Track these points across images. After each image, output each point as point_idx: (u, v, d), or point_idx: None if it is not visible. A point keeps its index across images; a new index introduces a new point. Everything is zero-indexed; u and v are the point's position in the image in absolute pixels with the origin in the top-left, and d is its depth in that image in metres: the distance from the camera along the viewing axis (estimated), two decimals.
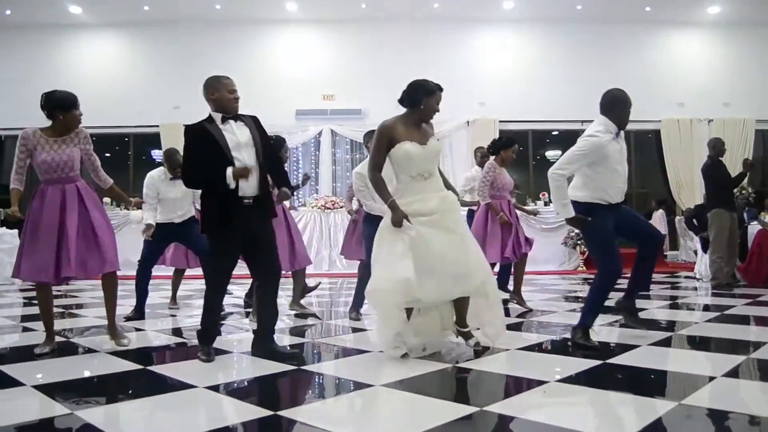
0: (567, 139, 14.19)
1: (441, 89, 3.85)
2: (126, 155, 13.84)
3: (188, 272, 6.82)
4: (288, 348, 4.00)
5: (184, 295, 7.33)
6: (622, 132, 4.05)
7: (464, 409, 2.61)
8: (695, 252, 9.98)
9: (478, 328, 3.96)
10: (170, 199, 5.63)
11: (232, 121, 3.76)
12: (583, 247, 11.19)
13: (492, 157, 5.96)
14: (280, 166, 4.22)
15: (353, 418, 2.70)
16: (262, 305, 3.90)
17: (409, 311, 3.70)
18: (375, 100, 13.41)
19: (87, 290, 7.95)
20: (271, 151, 3.94)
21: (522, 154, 11.82)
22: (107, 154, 16.11)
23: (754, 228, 8.53)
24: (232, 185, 3.60)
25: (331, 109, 13.42)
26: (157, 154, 14.44)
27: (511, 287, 6.05)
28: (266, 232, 3.80)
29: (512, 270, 6.11)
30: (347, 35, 13.80)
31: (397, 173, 3.78)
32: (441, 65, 13.19)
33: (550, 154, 17.20)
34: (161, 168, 5.78)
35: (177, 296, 6.43)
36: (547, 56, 13.82)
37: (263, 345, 3.77)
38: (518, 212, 6.27)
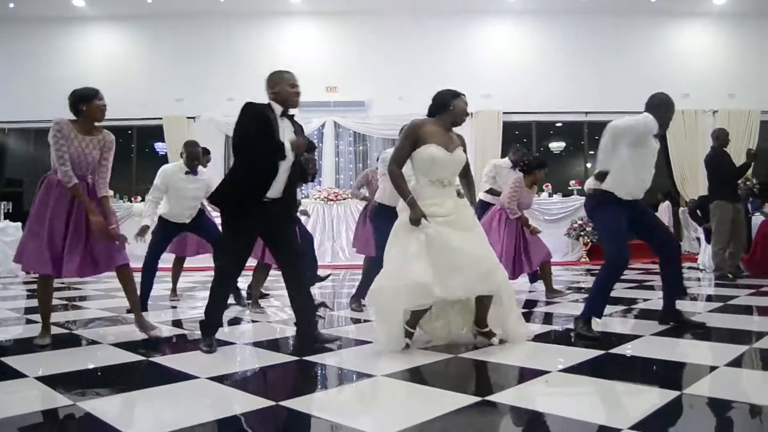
0: (570, 131, 14.22)
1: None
2: (129, 148, 13.83)
3: (189, 264, 6.83)
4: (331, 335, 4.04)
5: (186, 287, 7.36)
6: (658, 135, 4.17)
7: (466, 399, 2.60)
8: (699, 243, 9.97)
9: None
10: (184, 196, 5.51)
11: (286, 119, 3.83)
12: (586, 238, 11.19)
13: (521, 175, 6.01)
14: (305, 179, 4.36)
15: (354, 408, 2.70)
16: (295, 299, 3.95)
17: (419, 314, 3.64)
18: (378, 92, 13.41)
19: (89, 282, 7.96)
20: (301, 167, 4.02)
21: (525, 145, 11.78)
22: None
23: (758, 219, 8.51)
24: (288, 156, 3.70)
25: (335, 101, 13.40)
26: (160, 147, 14.46)
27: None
28: (285, 227, 3.88)
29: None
30: (350, 27, 13.77)
31: (417, 174, 3.72)
32: (444, 57, 13.18)
33: (553, 145, 17.17)
34: (178, 162, 5.68)
35: (177, 288, 6.44)
36: (550, 48, 13.76)
37: (309, 335, 3.87)
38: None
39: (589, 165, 15.28)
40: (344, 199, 11.55)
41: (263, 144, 3.65)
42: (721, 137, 7.62)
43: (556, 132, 14.83)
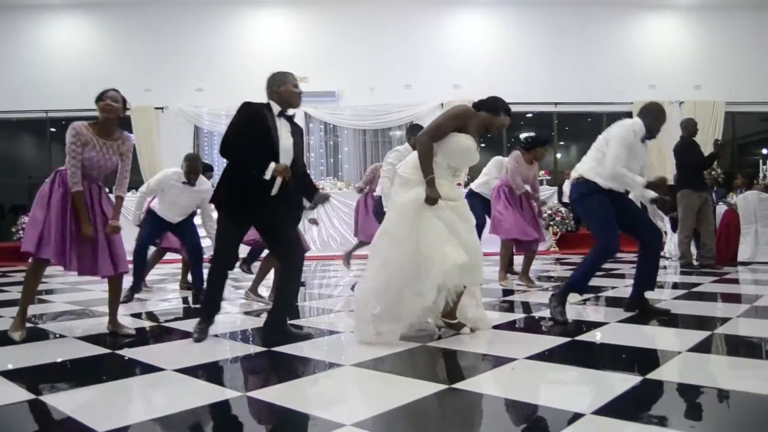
0: (541, 121, 14.31)
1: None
2: None
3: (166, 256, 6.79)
4: (302, 329, 4.04)
5: (156, 279, 7.29)
6: (647, 141, 4.30)
7: (432, 387, 2.62)
8: (665, 232, 10.13)
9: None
10: (177, 203, 5.67)
11: (284, 119, 3.81)
12: (555, 227, 11.30)
13: (522, 152, 6.15)
14: (310, 181, 4.23)
15: (323, 398, 2.70)
16: (281, 287, 3.98)
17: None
18: (349, 82, 13.38)
19: (57, 276, 7.84)
20: (301, 167, 3.96)
21: (496, 136, 11.87)
22: None
23: (721, 208, 8.68)
24: (268, 177, 3.60)
25: (305, 91, 13.26)
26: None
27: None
28: (283, 218, 3.83)
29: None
30: (321, 17, 13.69)
31: (441, 155, 3.65)
32: (415, 47, 13.18)
33: (524, 136, 17.26)
34: (178, 170, 5.68)
35: (147, 279, 6.37)
36: (521, 38, 13.86)
37: (277, 326, 3.83)
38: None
39: (559, 155, 15.43)
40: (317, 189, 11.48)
41: (258, 145, 3.63)
42: (689, 127, 7.72)
43: (527, 122, 14.90)
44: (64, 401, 2.54)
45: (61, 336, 3.98)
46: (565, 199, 12.56)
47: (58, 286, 6.97)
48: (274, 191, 3.69)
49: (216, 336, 3.85)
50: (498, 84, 13.39)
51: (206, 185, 5.82)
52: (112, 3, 13.36)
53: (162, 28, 13.38)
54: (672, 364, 2.96)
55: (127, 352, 3.47)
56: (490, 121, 3.79)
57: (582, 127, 14.99)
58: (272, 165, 3.58)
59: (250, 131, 3.65)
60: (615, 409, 2.31)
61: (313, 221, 6.55)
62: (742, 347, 3.50)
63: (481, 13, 13.98)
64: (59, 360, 3.37)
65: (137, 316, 4.87)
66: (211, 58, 12.90)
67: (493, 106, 3.80)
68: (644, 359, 3.18)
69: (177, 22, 13.41)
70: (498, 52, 13.70)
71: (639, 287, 4.39)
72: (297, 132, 3.88)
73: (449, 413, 2.46)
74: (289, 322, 3.97)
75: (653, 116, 4.27)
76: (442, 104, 13.01)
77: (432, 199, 3.47)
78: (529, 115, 14.62)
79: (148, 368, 3.08)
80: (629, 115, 13.86)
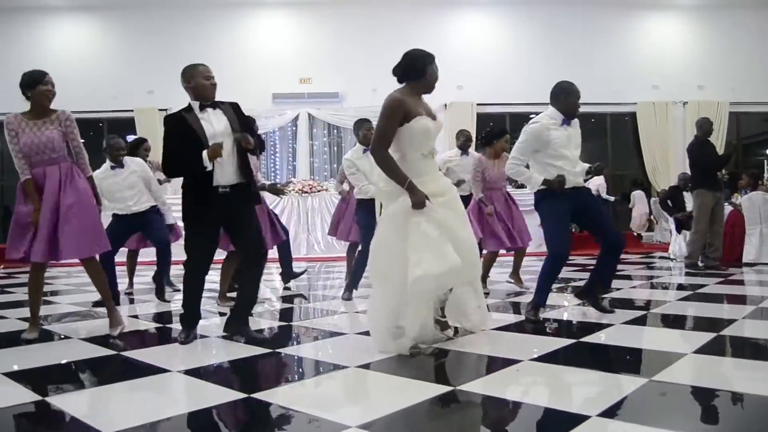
0: None
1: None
2: (100, 141, 13.56)
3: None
4: (262, 333, 4.01)
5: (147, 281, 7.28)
6: (575, 120, 4.31)
7: (438, 389, 2.62)
8: (669, 232, 10.11)
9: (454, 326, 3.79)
10: (113, 191, 5.43)
11: (210, 109, 3.74)
12: None
13: (485, 149, 5.95)
14: (259, 143, 4.18)
15: (327, 400, 2.70)
16: (243, 285, 3.96)
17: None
18: (352, 84, 13.37)
19: (61, 277, 7.86)
20: (252, 136, 3.86)
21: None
22: (81, 140, 15.88)
23: (726, 209, 8.65)
24: (209, 166, 3.59)
25: (308, 92, 13.33)
26: (131, 140, 14.26)
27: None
28: (246, 216, 3.80)
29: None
30: (324, 18, 13.68)
31: (406, 151, 3.43)
32: (418, 47, 13.15)
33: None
34: (105, 165, 5.56)
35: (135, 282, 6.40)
36: (523, 39, 13.84)
37: (237, 325, 3.80)
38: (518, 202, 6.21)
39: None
40: (319, 191, 11.50)
41: (189, 147, 3.61)
42: (704, 126, 7.66)
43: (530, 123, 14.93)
44: (69, 402, 2.55)
45: (66, 337, 3.98)
46: None
47: (63, 288, 6.98)
48: (227, 180, 3.67)
49: (221, 338, 3.85)
50: (499, 84, 13.47)
51: (135, 164, 5.66)
52: (114, 5, 13.37)
53: (164, 30, 13.37)
54: (678, 366, 2.94)
55: (132, 354, 3.47)
56: (423, 86, 3.58)
57: (585, 128, 14.92)
58: (204, 153, 3.56)
59: (178, 140, 3.66)
60: (621, 411, 2.30)
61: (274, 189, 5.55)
62: (748, 349, 3.48)
63: (482, 13, 13.97)
64: (64, 361, 3.36)
65: (138, 317, 4.88)
66: (214, 59, 12.67)
67: (414, 67, 3.57)
68: (650, 361, 3.17)
69: (179, 24, 13.40)
70: (499, 53, 13.68)
71: (592, 282, 4.39)
72: (229, 112, 3.80)
73: (454, 415, 2.46)
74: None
75: (560, 97, 4.25)
76: (445, 105, 13.02)
77: (419, 203, 3.28)
78: (533, 115, 14.52)
79: (153, 370, 3.08)
80: (633, 115, 13.96)
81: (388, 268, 3.37)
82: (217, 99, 3.77)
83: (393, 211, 3.40)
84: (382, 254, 3.42)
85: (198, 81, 3.72)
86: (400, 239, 3.32)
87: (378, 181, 3.56)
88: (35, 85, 3.87)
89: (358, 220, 5.33)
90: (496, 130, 6.00)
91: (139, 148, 6.36)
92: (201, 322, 3.93)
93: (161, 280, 5.67)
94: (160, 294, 5.59)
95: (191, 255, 3.78)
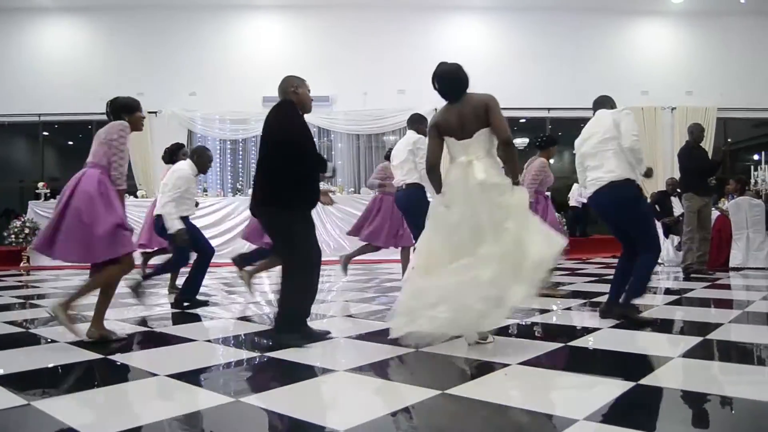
0: (534, 126, 14.33)
1: None
2: (89, 144, 13.53)
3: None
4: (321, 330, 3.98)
5: (151, 283, 7.24)
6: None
7: (425, 392, 2.62)
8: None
9: None
10: (192, 198, 5.63)
11: None
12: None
13: (537, 153, 6.22)
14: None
15: (316, 403, 2.70)
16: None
17: None
18: (342, 88, 13.38)
19: (49, 280, 7.80)
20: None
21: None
22: (70, 143, 15.83)
23: (713, 214, 8.71)
24: (329, 174, 3.96)
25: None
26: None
27: None
28: None
29: None
30: (315, 21, 13.69)
31: (484, 145, 3.88)
32: (409, 52, 13.20)
33: (517, 141, 17.31)
34: (190, 163, 5.57)
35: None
36: (514, 45, 13.90)
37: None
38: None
39: (551, 161, 15.42)
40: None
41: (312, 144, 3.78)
42: (695, 132, 7.70)
43: (520, 128, 14.96)
44: (55, 407, 2.52)
45: (53, 341, 3.95)
46: (572, 203, 12.63)
47: (51, 291, 6.93)
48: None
49: (209, 341, 3.84)
50: (491, 89, 13.38)
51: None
52: (105, 7, 13.31)
53: (155, 33, 13.33)
54: (665, 370, 2.97)
55: (119, 358, 3.45)
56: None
57: (575, 133, 14.98)
58: (331, 164, 3.92)
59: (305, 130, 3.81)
60: (608, 414, 2.31)
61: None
62: (734, 353, 3.52)
63: (474, 19, 14.03)
64: (51, 365, 3.34)
65: (130, 321, 4.85)
66: (204, 62, 12.88)
67: (467, 80, 4.22)
68: (637, 365, 3.19)
69: (170, 26, 13.37)
70: (491, 58, 13.72)
71: (619, 290, 4.37)
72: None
73: (442, 419, 2.46)
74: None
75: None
76: (435, 109, 13.00)
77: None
78: (523, 120, 14.66)
79: (141, 374, 3.07)
80: None
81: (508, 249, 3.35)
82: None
83: (518, 201, 3.52)
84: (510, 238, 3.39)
85: (304, 90, 3.87)
86: (521, 226, 3.42)
87: (484, 173, 3.63)
88: (134, 110, 4.05)
89: (416, 223, 5.17)
90: (551, 137, 6.35)
91: (177, 153, 6.36)
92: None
93: (153, 276, 5.62)
94: (140, 294, 5.49)
95: (309, 240, 3.83)
